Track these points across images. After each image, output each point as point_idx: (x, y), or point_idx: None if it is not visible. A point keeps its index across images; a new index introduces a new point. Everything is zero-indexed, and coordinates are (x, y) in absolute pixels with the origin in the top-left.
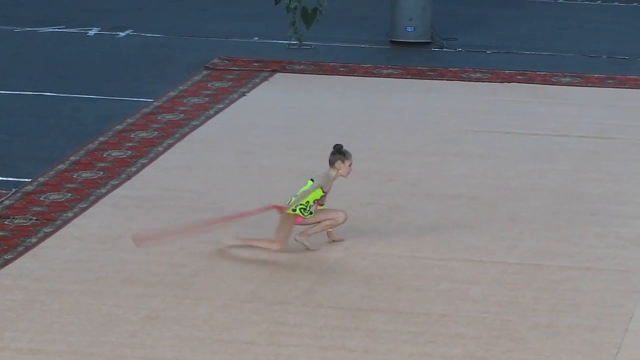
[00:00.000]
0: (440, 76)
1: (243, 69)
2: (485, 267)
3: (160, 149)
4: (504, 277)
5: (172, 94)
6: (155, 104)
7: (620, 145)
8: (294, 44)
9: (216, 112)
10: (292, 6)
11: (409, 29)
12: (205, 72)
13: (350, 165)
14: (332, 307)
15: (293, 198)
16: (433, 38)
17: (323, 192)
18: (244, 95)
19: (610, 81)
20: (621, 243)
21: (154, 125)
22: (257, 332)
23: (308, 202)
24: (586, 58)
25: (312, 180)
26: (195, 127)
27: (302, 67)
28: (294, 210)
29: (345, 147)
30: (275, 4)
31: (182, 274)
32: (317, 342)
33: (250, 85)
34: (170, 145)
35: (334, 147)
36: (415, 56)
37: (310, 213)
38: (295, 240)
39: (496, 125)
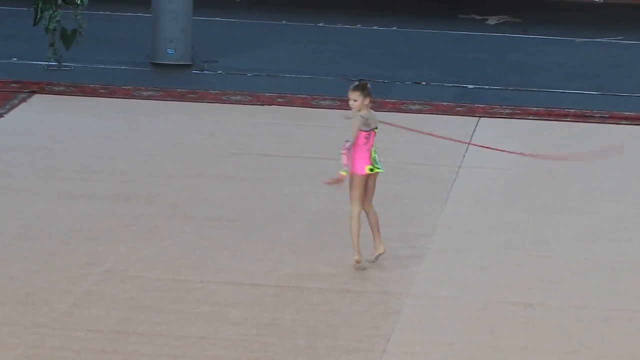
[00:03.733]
0: (201, 98)
1: (0, 90)
2: (245, 289)
3: None
4: (263, 300)
5: None
6: None
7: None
8: (53, 65)
9: None
10: (51, 27)
11: (170, 52)
12: None
13: (353, 101)
14: (90, 330)
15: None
16: (194, 60)
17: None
18: (1, 117)
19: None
20: (379, 265)
21: None
22: (14, 356)
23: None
24: (346, 81)
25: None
26: None
27: (61, 88)
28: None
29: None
30: (34, 24)
31: None
32: None
33: (8, 107)
34: None
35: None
36: (176, 78)
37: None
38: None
39: (257, 147)
